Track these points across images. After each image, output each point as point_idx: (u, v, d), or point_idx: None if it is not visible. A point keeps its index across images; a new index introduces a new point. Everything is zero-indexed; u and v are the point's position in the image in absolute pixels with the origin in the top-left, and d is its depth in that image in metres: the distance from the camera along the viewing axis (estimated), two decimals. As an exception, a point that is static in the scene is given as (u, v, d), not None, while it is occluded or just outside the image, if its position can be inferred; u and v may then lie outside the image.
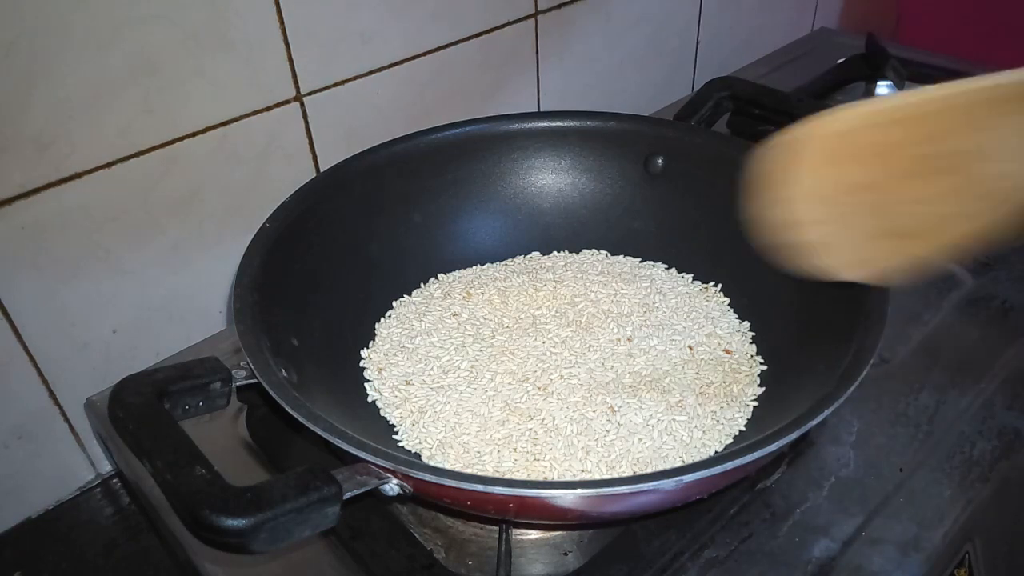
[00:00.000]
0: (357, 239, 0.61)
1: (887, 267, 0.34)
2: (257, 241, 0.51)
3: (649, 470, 0.48)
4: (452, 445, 0.49)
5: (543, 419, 0.51)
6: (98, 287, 0.57)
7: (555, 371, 0.55)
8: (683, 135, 0.65)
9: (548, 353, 0.56)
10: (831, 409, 0.39)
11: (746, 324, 0.58)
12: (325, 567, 0.48)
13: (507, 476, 0.48)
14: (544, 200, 0.67)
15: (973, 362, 0.59)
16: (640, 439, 0.49)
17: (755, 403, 0.52)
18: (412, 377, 0.54)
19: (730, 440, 0.50)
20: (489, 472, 0.48)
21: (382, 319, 0.60)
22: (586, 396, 0.52)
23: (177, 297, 0.62)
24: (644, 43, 0.90)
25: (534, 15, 0.77)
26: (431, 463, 0.49)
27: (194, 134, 0.58)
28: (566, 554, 0.48)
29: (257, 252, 0.51)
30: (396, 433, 0.51)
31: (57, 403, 0.58)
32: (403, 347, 0.57)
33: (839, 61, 0.98)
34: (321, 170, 0.66)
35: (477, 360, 0.56)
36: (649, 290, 0.61)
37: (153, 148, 0.56)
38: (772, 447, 0.38)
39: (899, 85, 0.92)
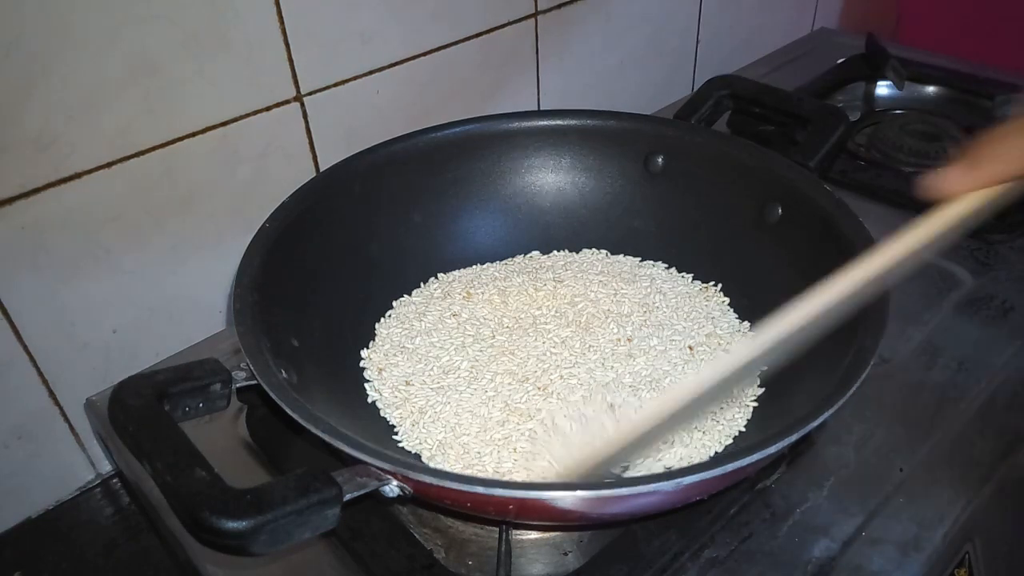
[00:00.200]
0: (357, 239, 0.61)
1: None
2: (257, 241, 0.51)
3: (649, 471, 0.48)
4: (452, 446, 0.49)
5: (543, 419, 0.51)
6: (98, 287, 0.57)
7: (555, 371, 0.55)
8: (683, 134, 0.65)
9: (548, 353, 0.56)
10: (832, 410, 0.39)
11: (746, 324, 0.58)
12: (325, 568, 0.48)
13: (507, 476, 0.48)
14: (544, 199, 0.67)
15: (973, 362, 0.59)
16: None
17: (755, 403, 0.52)
18: (412, 377, 0.55)
19: (730, 441, 0.50)
20: (489, 472, 0.48)
21: (382, 319, 0.60)
22: (586, 396, 0.52)
23: (177, 297, 0.62)
24: (644, 43, 0.90)
25: (534, 15, 0.77)
26: (431, 464, 0.49)
27: (194, 134, 0.58)
28: (566, 554, 0.48)
29: (257, 252, 0.51)
30: (396, 433, 0.51)
31: (57, 403, 0.58)
32: (403, 347, 0.57)
33: (839, 61, 0.98)
34: (321, 170, 0.66)
35: (477, 360, 0.56)
36: (649, 290, 0.61)
37: (153, 148, 0.56)
38: (772, 449, 0.38)
39: (899, 85, 0.92)
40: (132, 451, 0.37)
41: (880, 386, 0.57)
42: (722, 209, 0.62)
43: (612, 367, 0.55)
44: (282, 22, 0.59)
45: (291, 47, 0.60)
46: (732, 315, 0.59)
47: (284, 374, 0.45)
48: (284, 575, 0.47)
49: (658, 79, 0.96)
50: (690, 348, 0.56)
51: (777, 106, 0.76)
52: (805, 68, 1.00)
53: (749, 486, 0.51)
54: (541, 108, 0.83)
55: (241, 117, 0.60)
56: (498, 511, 0.41)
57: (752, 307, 0.59)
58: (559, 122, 0.66)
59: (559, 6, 0.78)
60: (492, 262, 0.66)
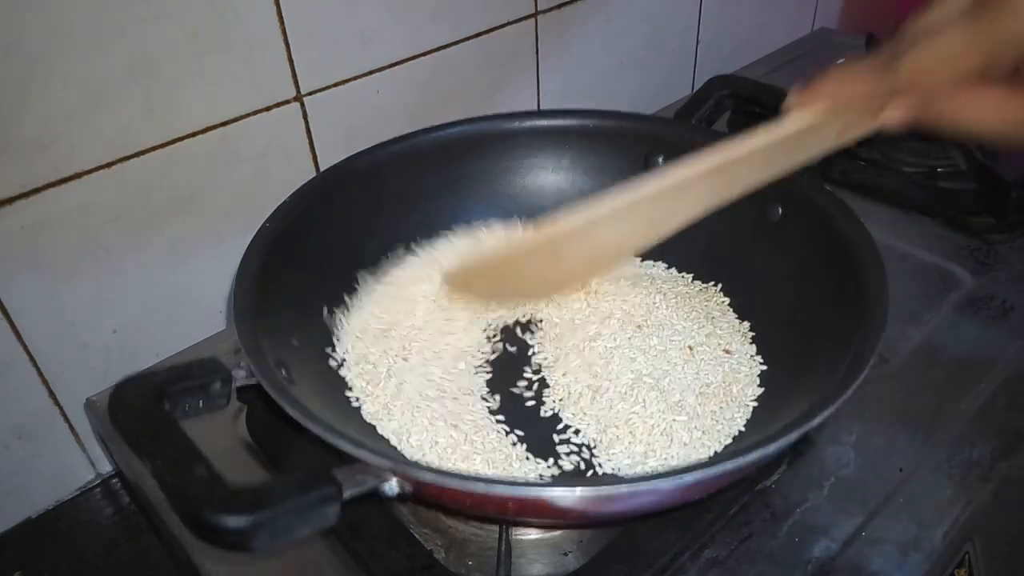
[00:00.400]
0: (357, 239, 0.61)
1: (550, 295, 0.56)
2: (257, 241, 0.51)
3: (648, 471, 0.48)
4: (444, 446, 0.49)
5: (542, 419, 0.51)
6: (98, 287, 0.57)
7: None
8: (683, 134, 0.65)
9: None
10: (831, 410, 0.39)
11: (746, 324, 0.58)
12: (325, 567, 0.48)
13: (503, 474, 0.48)
14: (544, 199, 0.67)
15: (973, 362, 0.59)
16: (639, 439, 0.49)
17: (755, 403, 0.52)
18: (404, 385, 0.54)
19: (730, 440, 0.50)
20: (485, 471, 0.48)
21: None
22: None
23: (177, 297, 0.62)
24: (644, 43, 0.90)
25: (534, 15, 0.77)
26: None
27: (194, 134, 0.58)
28: (566, 554, 0.48)
29: (257, 252, 0.51)
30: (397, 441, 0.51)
31: (57, 403, 0.58)
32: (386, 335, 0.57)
33: (839, 61, 0.98)
34: (321, 170, 0.66)
35: (476, 358, 0.56)
36: (649, 290, 0.61)
37: (153, 148, 0.56)
38: (771, 448, 0.38)
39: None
40: (132, 449, 0.37)
41: (880, 386, 0.57)
42: (722, 209, 0.62)
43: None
44: (282, 22, 0.59)
45: (291, 47, 0.60)
46: (732, 315, 0.59)
47: (284, 373, 0.45)
48: (284, 574, 0.47)
49: (658, 79, 0.96)
50: (690, 348, 0.56)
51: (777, 106, 0.76)
52: (805, 68, 1.00)
53: (749, 486, 0.51)
54: (541, 108, 0.83)
55: (241, 117, 0.60)
56: (497, 509, 0.41)
57: (752, 307, 0.59)
58: (559, 122, 0.66)
59: (559, 6, 0.78)
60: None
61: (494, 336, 0.59)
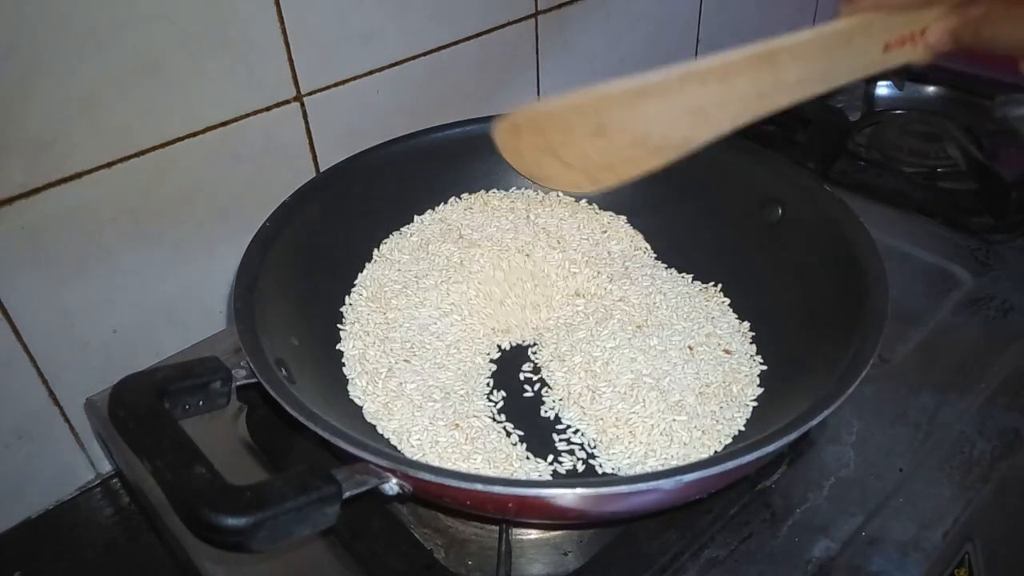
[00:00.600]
0: (357, 239, 0.61)
1: (593, 185, 0.50)
2: (257, 241, 0.52)
3: (648, 470, 0.48)
4: (444, 446, 0.49)
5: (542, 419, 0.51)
6: (98, 287, 0.57)
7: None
8: (683, 135, 0.65)
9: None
10: (831, 409, 0.39)
11: (746, 324, 0.58)
12: (325, 567, 0.48)
13: (503, 474, 0.48)
14: (544, 200, 0.67)
15: (973, 362, 0.59)
16: (639, 438, 0.49)
17: (755, 403, 0.52)
18: (405, 384, 0.54)
19: (730, 440, 0.50)
20: (485, 471, 0.48)
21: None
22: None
23: (177, 297, 0.62)
24: (644, 43, 0.90)
25: (534, 15, 0.77)
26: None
27: (194, 134, 0.58)
28: (566, 554, 0.48)
29: (257, 252, 0.51)
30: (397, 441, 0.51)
31: (57, 403, 0.58)
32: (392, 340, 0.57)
33: None
34: (321, 170, 0.66)
35: (476, 359, 0.56)
36: (649, 290, 0.61)
37: (153, 148, 0.56)
38: (771, 447, 0.38)
39: (899, 85, 0.92)
40: (132, 448, 0.37)
41: (880, 386, 0.57)
42: (722, 209, 0.62)
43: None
44: (282, 22, 0.59)
45: (291, 47, 0.60)
46: (732, 315, 0.59)
47: (284, 373, 0.45)
48: (284, 574, 0.47)
49: (658, 80, 0.96)
50: (690, 348, 0.56)
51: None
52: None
53: (749, 486, 0.51)
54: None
55: (241, 117, 0.60)
56: (497, 509, 0.41)
57: (752, 307, 0.59)
58: (559, 122, 0.66)
59: (559, 6, 0.78)
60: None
61: (495, 336, 0.59)
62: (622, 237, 0.65)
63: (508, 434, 0.51)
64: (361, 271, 0.61)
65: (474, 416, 0.51)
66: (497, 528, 0.47)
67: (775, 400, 0.51)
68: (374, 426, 0.51)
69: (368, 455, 0.38)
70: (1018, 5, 0.37)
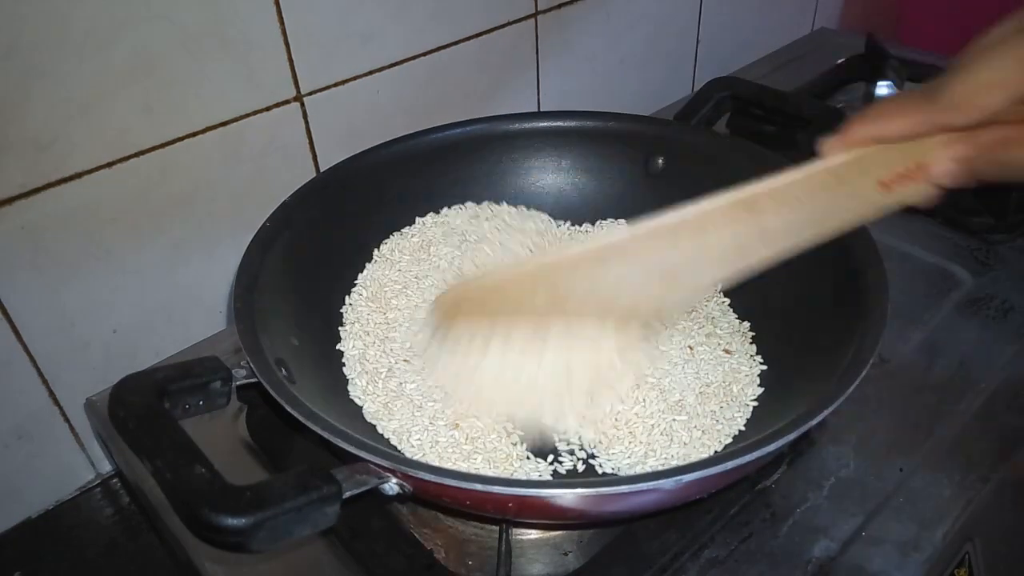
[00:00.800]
0: (357, 239, 0.61)
1: None
2: (257, 241, 0.52)
3: (648, 469, 0.48)
4: (444, 446, 0.49)
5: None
6: (98, 287, 0.57)
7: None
8: (683, 135, 0.65)
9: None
10: (831, 409, 0.39)
11: (746, 324, 0.58)
12: (325, 567, 0.48)
13: (503, 474, 0.48)
14: (544, 200, 0.67)
15: (973, 362, 0.59)
16: (639, 438, 0.49)
17: (755, 403, 0.52)
18: (405, 384, 0.54)
19: (730, 440, 0.49)
20: (485, 471, 0.48)
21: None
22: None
23: (177, 297, 0.62)
24: (644, 43, 0.90)
25: (534, 15, 0.77)
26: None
27: (194, 134, 0.58)
28: (566, 554, 0.48)
29: (257, 252, 0.51)
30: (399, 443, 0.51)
31: (57, 403, 0.58)
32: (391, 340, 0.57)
33: (839, 61, 0.98)
34: (321, 170, 0.66)
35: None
36: (649, 290, 0.61)
37: (153, 148, 0.56)
38: (772, 447, 0.38)
39: (899, 85, 0.92)
40: (132, 448, 0.37)
41: (880, 386, 0.57)
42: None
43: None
44: (282, 22, 0.59)
45: (291, 47, 0.60)
46: (732, 315, 0.59)
47: (284, 373, 0.45)
48: (284, 574, 0.47)
49: (658, 79, 0.96)
50: (690, 348, 0.56)
51: (777, 107, 0.76)
52: (805, 68, 1.00)
53: (749, 486, 0.51)
54: (541, 108, 0.83)
55: (241, 117, 0.60)
56: (497, 509, 0.41)
57: (752, 307, 0.59)
58: (559, 123, 0.66)
59: (559, 6, 0.78)
60: (492, 262, 0.66)
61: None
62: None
63: (508, 434, 0.51)
64: (361, 271, 0.61)
65: (474, 416, 0.51)
66: (497, 528, 0.47)
67: (775, 400, 0.51)
68: (374, 426, 0.51)
69: (368, 455, 0.38)
70: None
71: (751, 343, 0.56)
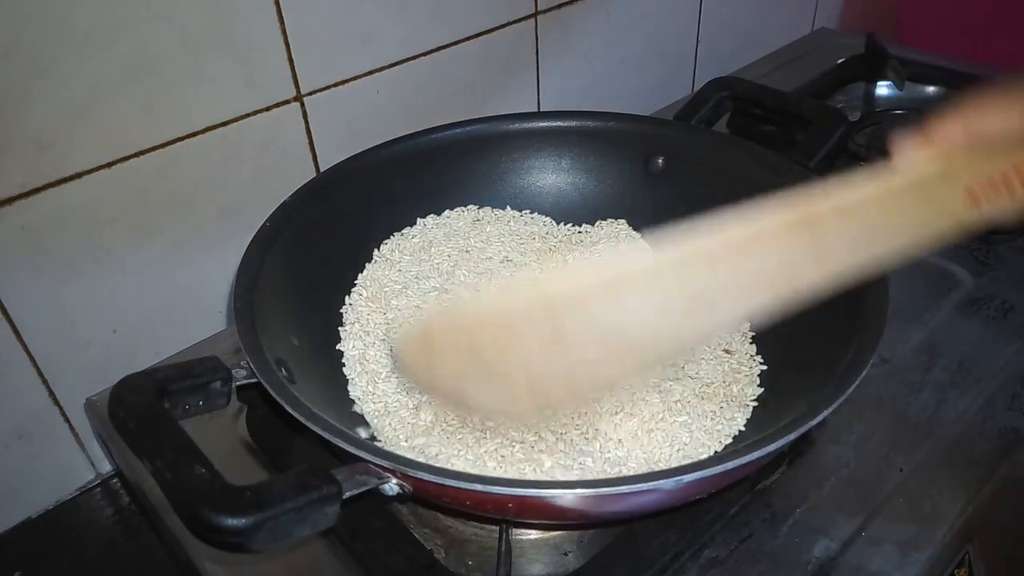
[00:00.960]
0: (357, 239, 0.61)
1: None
2: (257, 241, 0.52)
3: (648, 470, 0.48)
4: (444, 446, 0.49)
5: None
6: (98, 287, 0.57)
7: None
8: (683, 135, 0.65)
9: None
10: (831, 409, 0.39)
11: (746, 324, 0.58)
12: (325, 567, 0.48)
13: (503, 474, 0.48)
14: (544, 200, 0.67)
15: (973, 362, 0.59)
16: (640, 438, 0.49)
17: (755, 403, 0.52)
18: (405, 385, 0.54)
19: (730, 440, 0.50)
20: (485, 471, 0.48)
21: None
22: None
23: (177, 297, 0.62)
24: (644, 43, 0.90)
25: (534, 15, 0.77)
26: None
27: (194, 134, 0.58)
28: (566, 554, 0.48)
29: (257, 252, 0.51)
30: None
31: (57, 403, 0.58)
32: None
33: (839, 61, 0.98)
34: (321, 170, 0.66)
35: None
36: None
37: (153, 148, 0.56)
38: (772, 447, 0.38)
39: (899, 85, 0.92)
40: (132, 448, 0.37)
41: (880, 386, 0.57)
42: (723, 209, 0.62)
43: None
44: (282, 22, 0.59)
45: (291, 47, 0.60)
46: (732, 315, 0.59)
47: (284, 373, 0.45)
48: (284, 574, 0.47)
49: (658, 79, 0.96)
50: (691, 348, 0.56)
51: (777, 107, 0.76)
52: (805, 68, 1.00)
53: (749, 486, 0.51)
54: (541, 108, 0.83)
55: (241, 117, 0.60)
56: (497, 509, 0.41)
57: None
58: (559, 123, 0.66)
59: (559, 6, 0.78)
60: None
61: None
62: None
63: (507, 434, 0.51)
64: (361, 271, 0.61)
65: (473, 416, 0.51)
66: (497, 528, 0.47)
67: (775, 400, 0.51)
68: (374, 426, 0.51)
69: (368, 455, 0.38)
70: None
71: (751, 343, 0.56)
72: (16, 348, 0.55)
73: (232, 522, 0.33)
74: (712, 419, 0.50)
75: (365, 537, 0.48)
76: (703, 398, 0.52)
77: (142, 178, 0.56)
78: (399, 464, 0.37)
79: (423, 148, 0.63)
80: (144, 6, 0.52)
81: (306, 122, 0.64)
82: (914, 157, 0.31)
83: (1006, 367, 0.58)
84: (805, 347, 0.51)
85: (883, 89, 0.94)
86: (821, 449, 0.53)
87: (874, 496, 0.50)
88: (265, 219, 0.53)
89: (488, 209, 0.66)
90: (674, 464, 0.47)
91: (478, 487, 0.37)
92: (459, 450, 0.49)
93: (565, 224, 0.67)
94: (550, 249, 0.64)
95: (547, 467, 0.49)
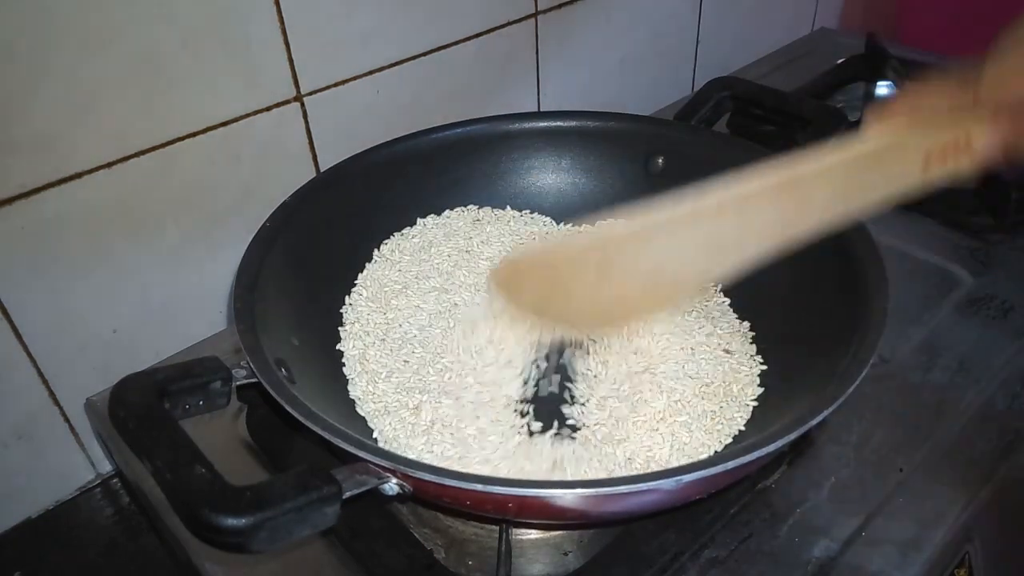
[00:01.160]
0: (357, 239, 0.61)
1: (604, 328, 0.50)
2: (257, 241, 0.52)
3: (648, 470, 0.48)
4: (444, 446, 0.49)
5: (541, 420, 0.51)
6: (98, 287, 0.57)
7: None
8: (683, 135, 0.65)
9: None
10: (831, 409, 0.39)
11: (746, 324, 0.58)
12: (325, 567, 0.48)
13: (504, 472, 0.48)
14: (544, 200, 0.68)
15: (973, 362, 0.59)
16: (640, 439, 0.49)
17: (755, 403, 0.52)
18: (405, 385, 0.54)
19: (730, 440, 0.49)
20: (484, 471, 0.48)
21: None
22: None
23: (177, 297, 0.62)
24: (644, 43, 0.90)
25: (534, 15, 0.77)
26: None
27: (194, 134, 0.58)
28: (566, 554, 0.48)
29: (257, 252, 0.51)
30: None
31: (57, 403, 0.58)
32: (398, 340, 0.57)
33: (839, 61, 0.98)
34: (321, 170, 0.66)
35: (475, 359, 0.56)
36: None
37: (153, 148, 0.56)
38: (772, 447, 0.38)
39: (899, 85, 0.92)
40: (132, 448, 0.37)
41: (880, 386, 0.57)
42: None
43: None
44: (282, 22, 0.59)
45: (291, 47, 0.60)
46: (732, 315, 0.59)
47: (284, 373, 0.45)
48: (284, 574, 0.47)
49: (658, 79, 0.96)
50: (690, 348, 0.56)
51: (777, 107, 0.76)
52: (805, 68, 1.00)
53: (749, 486, 0.51)
54: (541, 108, 0.83)
55: (241, 117, 0.60)
56: (497, 509, 0.41)
57: (752, 307, 0.59)
58: (559, 123, 0.66)
59: (559, 6, 0.78)
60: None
61: (493, 337, 0.59)
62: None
63: (507, 434, 0.51)
64: (361, 271, 0.61)
65: (472, 416, 0.51)
66: (497, 528, 0.47)
67: (775, 400, 0.51)
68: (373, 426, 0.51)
69: (368, 455, 0.38)
70: None
71: (751, 343, 0.56)
72: (16, 348, 0.55)
73: (232, 522, 0.33)
74: (712, 419, 0.50)
75: (365, 537, 0.48)
76: (703, 398, 0.52)
77: (142, 178, 0.56)
78: (399, 464, 0.37)
79: (423, 149, 0.63)
80: (144, 6, 0.52)
81: (306, 122, 0.64)
82: (881, 127, 0.38)
83: (1006, 367, 0.58)
84: (805, 347, 0.51)
85: (883, 89, 0.94)
86: (821, 449, 0.53)
87: (874, 496, 0.50)
88: (265, 219, 0.53)
89: (488, 209, 0.66)
90: (674, 464, 0.47)
91: (478, 487, 0.37)
92: (459, 450, 0.49)
93: (565, 224, 0.67)
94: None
95: (547, 467, 0.49)
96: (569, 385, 0.55)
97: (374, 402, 0.53)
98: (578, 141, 0.66)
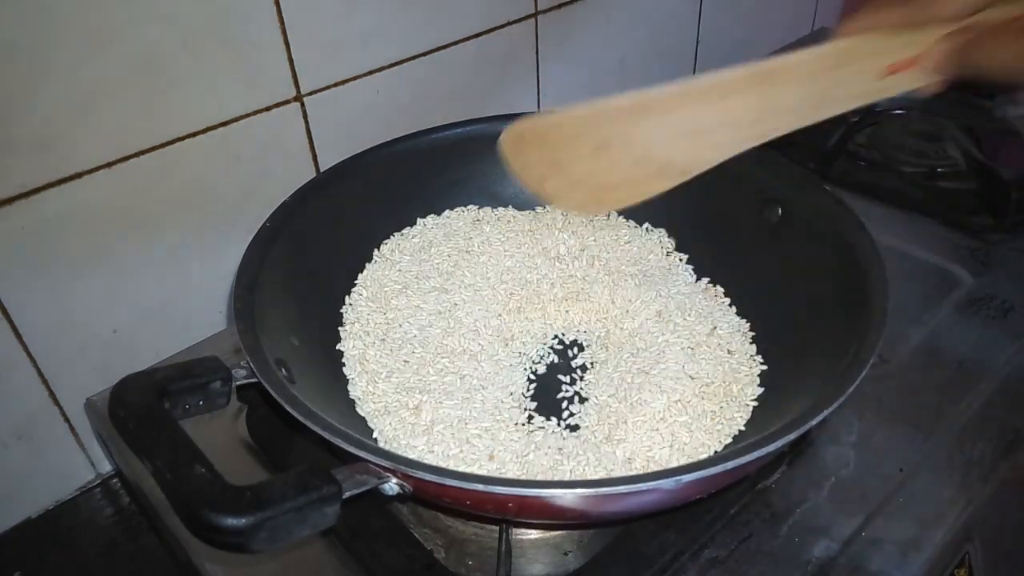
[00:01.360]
0: (357, 239, 0.61)
1: (598, 207, 0.52)
2: (257, 241, 0.52)
3: (649, 470, 0.48)
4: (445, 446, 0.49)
5: (542, 419, 0.51)
6: (98, 287, 0.57)
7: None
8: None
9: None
10: (831, 409, 0.39)
11: (746, 324, 0.58)
12: (325, 567, 0.48)
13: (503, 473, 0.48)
14: (544, 200, 0.67)
15: (973, 362, 0.59)
16: (640, 439, 0.49)
17: (755, 403, 0.52)
18: (405, 385, 0.54)
19: (730, 440, 0.49)
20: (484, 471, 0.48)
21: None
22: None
23: (177, 297, 0.62)
24: (644, 43, 0.90)
25: (534, 15, 0.77)
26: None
27: (194, 134, 0.58)
28: (566, 554, 0.48)
29: (257, 252, 0.51)
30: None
31: (57, 403, 0.58)
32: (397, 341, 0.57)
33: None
34: (321, 170, 0.66)
35: (475, 359, 0.56)
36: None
37: (153, 148, 0.56)
38: (772, 447, 0.38)
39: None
40: (132, 448, 0.37)
41: (880, 386, 0.57)
42: (722, 210, 0.62)
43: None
44: (282, 22, 0.59)
45: (291, 47, 0.60)
46: (733, 315, 0.59)
47: (284, 373, 0.45)
48: (284, 574, 0.47)
49: (658, 79, 0.95)
50: (690, 348, 0.56)
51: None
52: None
53: (749, 486, 0.51)
54: (541, 108, 0.83)
55: (241, 117, 0.60)
56: (497, 509, 0.41)
57: (752, 307, 0.59)
58: (559, 123, 0.66)
59: (559, 6, 0.78)
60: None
61: (493, 337, 0.59)
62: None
63: (507, 434, 0.51)
64: (361, 271, 0.61)
65: (472, 417, 0.51)
66: (497, 528, 0.47)
67: (775, 400, 0.51)
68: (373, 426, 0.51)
69: (368, 455, 0.38)
70: (1004, 31, 0.37)
71: (751, 343, 0.56)
72: (16, 348, 0.55)
73: (232, 522, 0.33)
74: (712, 419, 0.50)
75: (365, 537, 0.48)
76: (703, 398, 0.52)
77: (142, 178, 0.56)
78: (399, 464, 0.37)
79: (423, 148, 0.63)
80: (145, 6, 0.52)
81: (306, 122, 0.64)
82: (847, 37, 0.41)
83: (1006, 367, 0.58)
84: (805, 347, 0.51)
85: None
86: (821, 449, 0.53)
87: (874, 496, 0.50)
88: (265, 219, 0.53)
89: (488, 209, 0.66)
90: (674, 464, 0.47)
91: (478, 487, 0.37)
92: (459, 450, 0.49)
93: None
94: (551, 246, 0.64)
95: (547, 467, 0.49)
96: (569, 386, 0.55)
97: (374, 402, 0.53)
98: (578, 141, 0.66)
